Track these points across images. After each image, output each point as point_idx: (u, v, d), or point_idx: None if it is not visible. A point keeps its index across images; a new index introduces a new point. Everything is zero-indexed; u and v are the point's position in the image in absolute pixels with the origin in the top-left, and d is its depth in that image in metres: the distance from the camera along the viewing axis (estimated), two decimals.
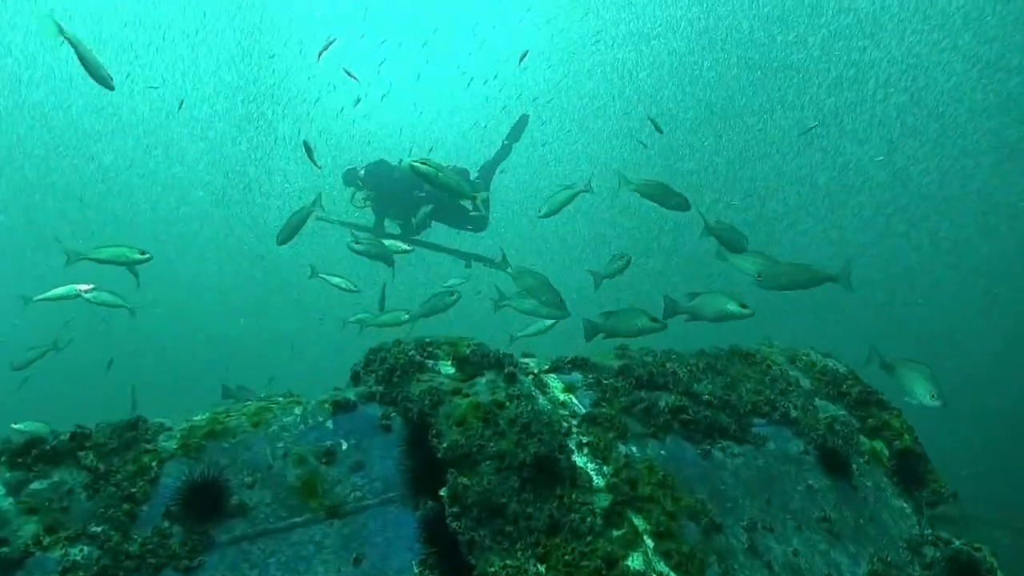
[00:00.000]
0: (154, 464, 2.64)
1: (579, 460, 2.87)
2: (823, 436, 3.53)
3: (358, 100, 19.23)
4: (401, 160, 8.20)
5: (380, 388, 3.08)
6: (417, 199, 7.99)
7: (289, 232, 5.35)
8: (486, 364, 3.07)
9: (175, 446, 2.75)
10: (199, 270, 26.64)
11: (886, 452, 3.71)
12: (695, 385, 3.50)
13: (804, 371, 4.08)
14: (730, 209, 22.07)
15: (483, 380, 3.00)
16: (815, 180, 21.12)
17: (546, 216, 5.28)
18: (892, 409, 3.87)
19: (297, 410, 2.97)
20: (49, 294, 5.86)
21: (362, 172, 8.33)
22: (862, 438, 3.76)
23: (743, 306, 3.93)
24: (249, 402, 3.16)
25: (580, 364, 3.43)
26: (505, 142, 8.96)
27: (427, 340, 3.33)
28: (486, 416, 2.74)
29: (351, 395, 3.04)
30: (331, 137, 22.96)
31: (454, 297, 5.26)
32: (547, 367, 3.42)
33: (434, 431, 2.76)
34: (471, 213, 7.89)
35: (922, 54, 17.61)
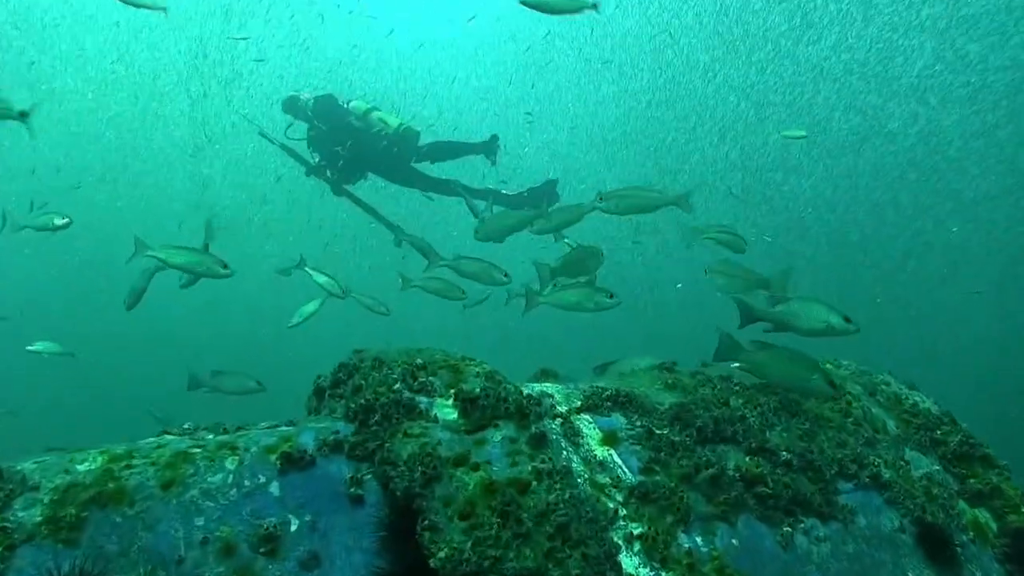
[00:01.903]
0: None
1: (629, 563, 2.02)
2: (922, 507, 2.74)
3: None
4: (350, 101, 6.95)
5: (350, 432, 2.19)
6: (378, 149, 6.70)
7: (136, 297, 4.56)
8: (501, 411, 2.17)
9: (39, 518, 1.85)
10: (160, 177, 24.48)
11: (993, 526, 2.93)
12: (768, 434, 2.66)
13: (888, 409, 3.26)
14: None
15: (498, 438, 2.11)
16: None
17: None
18: (1001, 468, 3.07)
19: (229, 463, 2.07)
20: (30, 222, 5.25)
21: (311, 102, 6.93)
22: (961, 503, 2.98)
23: (847, 319, 3.00)
24: (168, 438, 2.25)
25: (623, 402, 2.55)
26: (525, 194, 7.28)
27: (419, 360, 2.41)
28: (504, 508, 1.86)
29: (308, 442, 2.14)
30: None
31: (507, 279, 4.29)
32: (578, 403, 2.54)
33: (426, 521, 1.88)
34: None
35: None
